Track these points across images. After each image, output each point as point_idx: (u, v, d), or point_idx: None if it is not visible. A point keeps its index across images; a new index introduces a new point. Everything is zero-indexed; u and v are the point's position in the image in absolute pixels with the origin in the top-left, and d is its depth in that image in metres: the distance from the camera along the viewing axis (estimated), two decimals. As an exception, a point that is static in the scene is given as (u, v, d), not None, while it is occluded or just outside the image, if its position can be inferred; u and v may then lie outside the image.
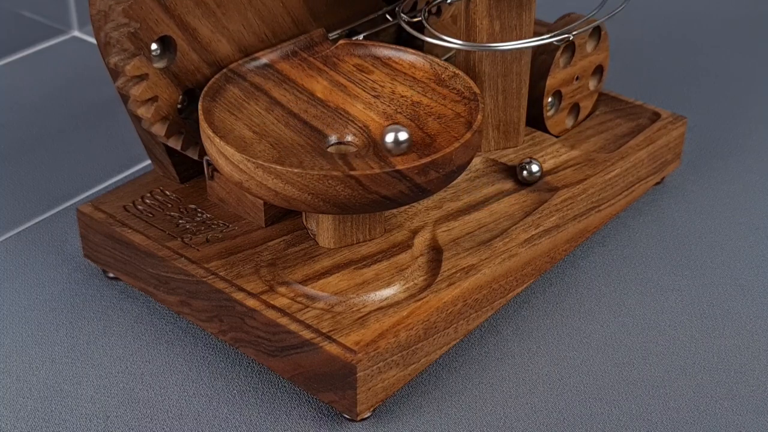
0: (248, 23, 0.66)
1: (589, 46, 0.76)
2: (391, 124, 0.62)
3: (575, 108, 0.77)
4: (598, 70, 0.77)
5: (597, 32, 0.76)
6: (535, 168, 0.70)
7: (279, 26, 0.68)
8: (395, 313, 0.61)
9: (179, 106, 0.65)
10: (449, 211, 0.68)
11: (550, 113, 0.74)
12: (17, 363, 0.65)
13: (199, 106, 0.63)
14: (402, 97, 0.66)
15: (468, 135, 0.61)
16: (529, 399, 0.63)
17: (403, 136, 0.60)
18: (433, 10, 0.77)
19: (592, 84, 0.77)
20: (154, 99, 0.63)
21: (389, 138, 0.60)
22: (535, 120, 0.75)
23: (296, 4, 0.69)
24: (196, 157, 0.66)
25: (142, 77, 0.62)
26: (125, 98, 0.64)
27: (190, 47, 0.64)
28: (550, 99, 0.74)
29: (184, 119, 0.65)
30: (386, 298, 0.62)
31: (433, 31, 0.70)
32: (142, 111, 0.63)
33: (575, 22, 0.72)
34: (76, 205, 0.78)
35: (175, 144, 0.65)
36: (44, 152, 0.84)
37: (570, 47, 0.74)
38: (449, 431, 0.61)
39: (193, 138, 0.66)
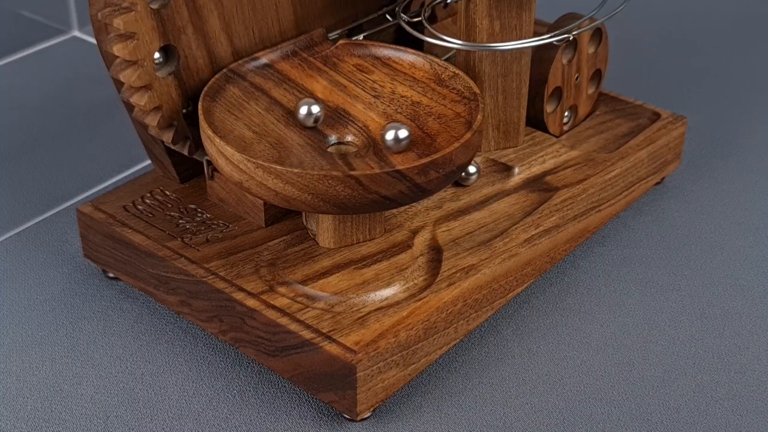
0: (241, 8, 0.66)
1: (591, 49, 0.76)
2: (390, 122, 0.62)
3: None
4: (597, 75, 0.78)
5: (598, 34, 0.76)
6: (472, 169, 0.70)
7: (265, 27, 0.68)
8: (395, 313, 0.61)
9: (156, 62, 0.64)
10: (449, 211, 0.68)
11: (564, 62, 0.74)
12: (17, 363, 0.65)
13: (199, 106, 0.63)
14: (402, 97, 0.66)
15: (468, 135, 0.61)
16: (529, 399, 0.63)
17: (403, 133, 0.60)
18: (428, 12, 0.77)
19: (590, 88, 0.78)
20: (133, 36, 0.61)
21: (389, 135, 0.60)
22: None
23: (286, 12, 0.68)
24: (154, 125, 0.65)
25: (130, 7, 0.61)
26: (105, 31, 0.62)
27: (184, 1, 0.63)
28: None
29: (157, 75, 0.64)
30: (386, 298, 0.62)
31: (433, 31, 0.70)
32: (119, 48, 0.61)
33: (575, 22, 0.72)
34: (76, 205, 0.78)
35: (139, 100, 0.63)
36: (44, 152, 0.84)
37: (596, 32, 0.75)
38: (449, 431, 0.61)
39: (161, 100, 0.64)
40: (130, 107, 0.65)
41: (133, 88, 0.63)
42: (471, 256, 0.65)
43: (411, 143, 0.61)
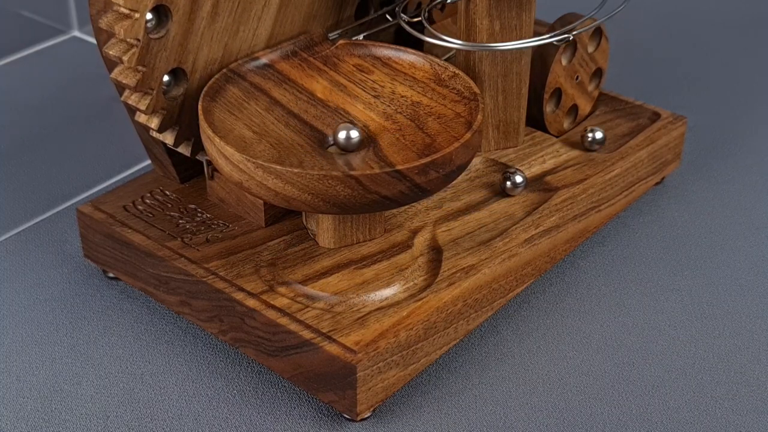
0: None
1: (590, 47, 0.76)
2: (343, 123, 0.62)
3: (574, 108, 0.77)
4: (598, 73, 0.78)
5: (598, 34, 0.76)
6: (519, 179, 0.69)
7: (248, 18, 0.67)
8: (395, 313, 0.61)
9: (147, 24, 0.62)
10: (449, 211, 0.68)
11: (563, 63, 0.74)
12: (17, 363, 0.65)
13: (199, 106, 0.63)
14: (402, 97, 0.66)
15: (468, 135, 0.61)
16: (529, 399, 0.63)
17: (354, 133, 0.61)
18: (428, 13, 0.77)
19: (591, 86, 0.78)
20: None
21: (342, 135, 0.61)
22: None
23: (269, 18, 0.67)
24: (132, 86, 0.62)
25: None
26: None
27: None
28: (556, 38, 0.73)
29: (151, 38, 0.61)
30: (386, 298, 0.62)
31: (433, 31, 0.70)
32: None
33: (575, 22, 0.72)
34: (76, 205, 0.78)
35: (130, 78, 0.62)
36: (44, 152, 0.84)
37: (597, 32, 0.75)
38: (449, 431, 0.61)
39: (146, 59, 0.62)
40: (128, 106, 0.65)
41: (119, 39, 0.60)
42: (471, 256, 0.65)
43: (361, 143, 0.61)
